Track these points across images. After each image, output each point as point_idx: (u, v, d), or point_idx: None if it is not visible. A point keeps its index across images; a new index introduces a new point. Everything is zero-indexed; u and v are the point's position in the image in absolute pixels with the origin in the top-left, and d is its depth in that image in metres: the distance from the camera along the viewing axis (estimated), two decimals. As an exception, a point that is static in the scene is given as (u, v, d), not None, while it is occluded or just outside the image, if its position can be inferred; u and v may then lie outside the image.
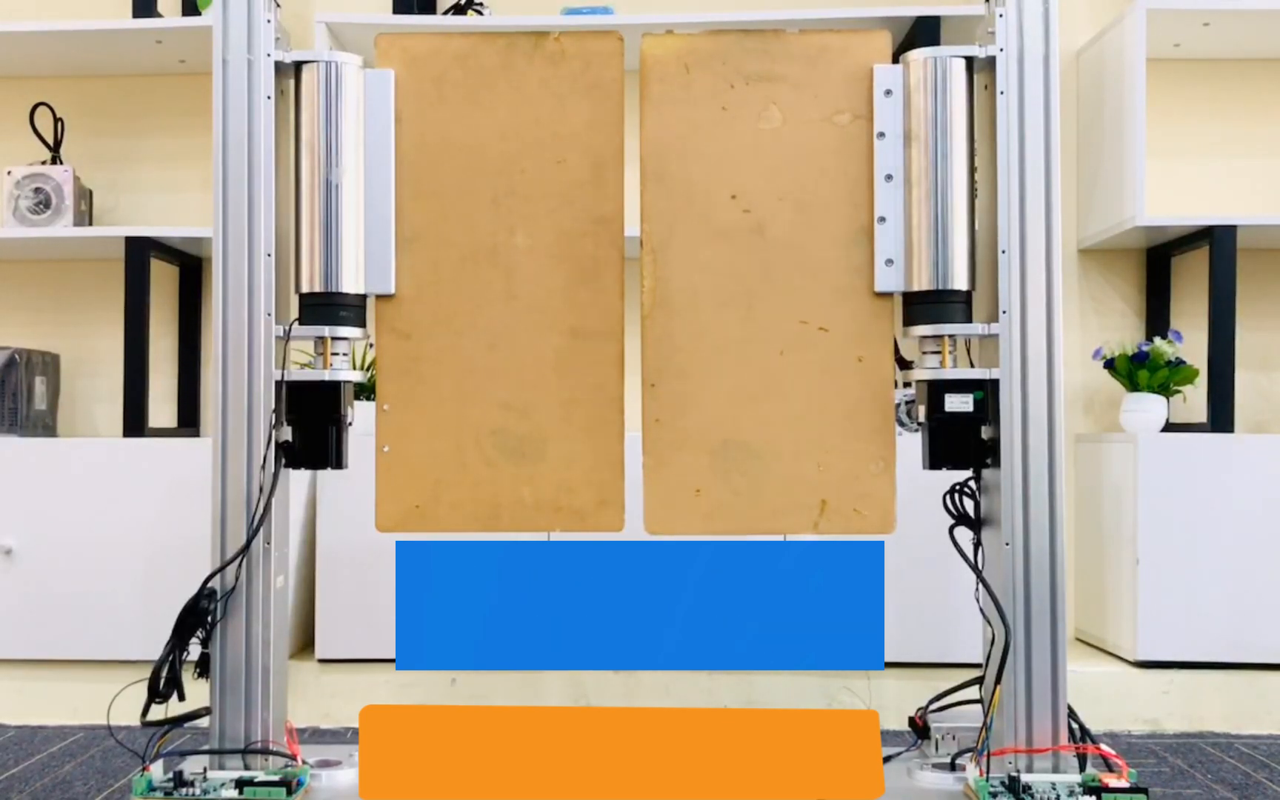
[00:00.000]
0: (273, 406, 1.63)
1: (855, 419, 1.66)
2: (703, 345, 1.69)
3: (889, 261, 1.65)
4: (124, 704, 1.87)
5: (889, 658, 2.32)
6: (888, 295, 1.66)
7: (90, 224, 2.69)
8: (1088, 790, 1.53)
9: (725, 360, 1.68)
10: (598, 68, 1.68)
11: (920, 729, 1.74)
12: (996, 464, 1.63)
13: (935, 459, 1.67)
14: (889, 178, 1.65)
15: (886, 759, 1.68)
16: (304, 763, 1.64)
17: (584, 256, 1.68)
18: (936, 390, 1.65)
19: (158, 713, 1.59)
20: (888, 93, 1.65)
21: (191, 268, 2.81)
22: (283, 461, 1.65)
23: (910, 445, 1.83)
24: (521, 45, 1.69)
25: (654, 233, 1.69)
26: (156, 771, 1.58)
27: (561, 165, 1.68)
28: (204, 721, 1.63)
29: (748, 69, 1.68)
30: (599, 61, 1.68)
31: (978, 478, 1.69)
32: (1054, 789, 1.54)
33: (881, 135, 1.65)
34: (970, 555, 1.69)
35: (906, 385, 1.74)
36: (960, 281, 1.63)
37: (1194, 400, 2.63)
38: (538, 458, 1.69)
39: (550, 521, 1.69)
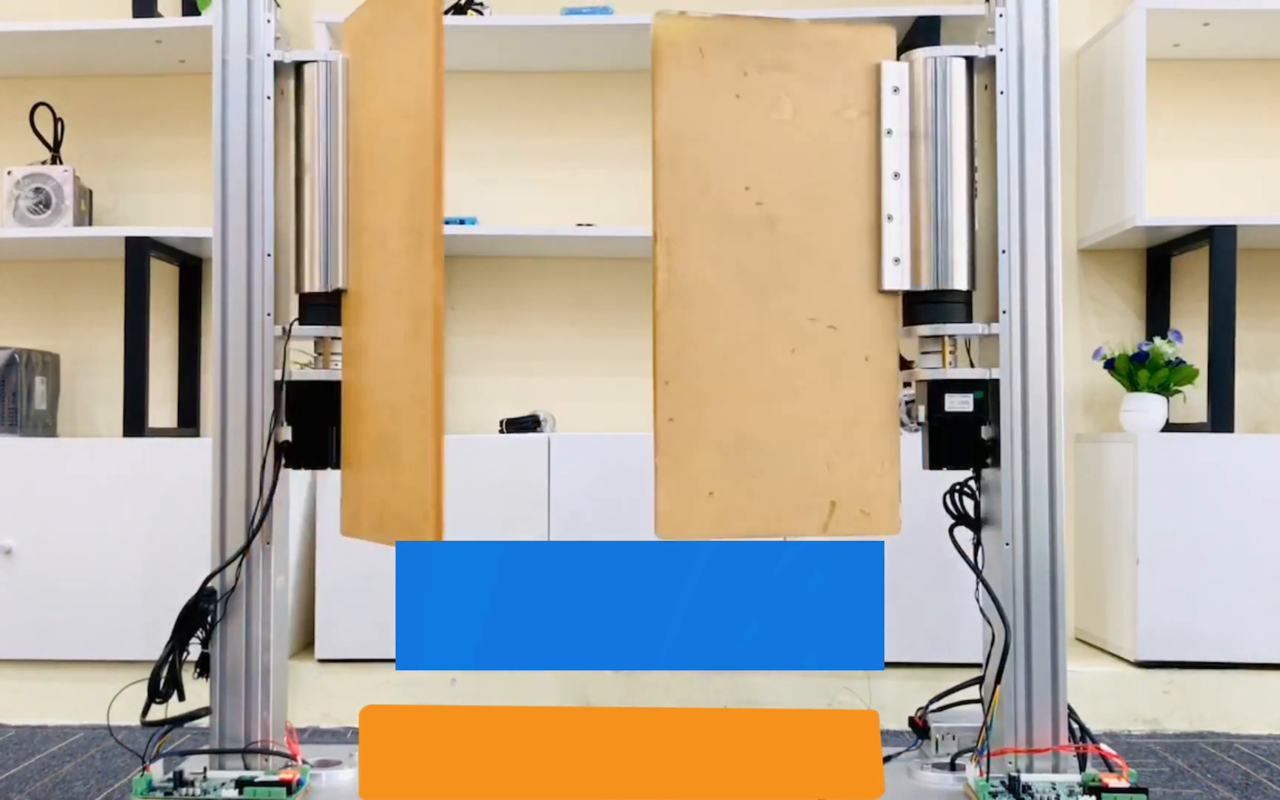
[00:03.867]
0: (272, 407, 1.63)
1: (862, 418, 1.64)
2: (716, 341, 1.60)
3: (896, 260, 1.64)
4: (124, 704, 1.87)
5: (889, 658, 2.32)
6: (893, 294, 1.65)
7: (90, 224, 2.69)
8: (1088, 790, 1.53)
9: (738, 356, 1.61)
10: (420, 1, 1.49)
11: (920, 729, 1.74)
12: (996, 464, 1.62)
13: (935, 459, 1.67)
14: (896, 175, 1.64)
15: (886, 759, 1.68)
16: (304, 763, 1.64)
17: (415, 221, 1.50)
18: (937, 390, 1.65)
19: (158, 713, 1.59)
20: (895, 89, 1.64)
21: (191, 268, 2.80)
22: (282, 462, 1.65)
23: (910, 445, 1.83)
24: None
25: (667, 223, 1.59)
26: (156, 771, 1.58)
27: (407, 119, 1.52)
28: (204, 721, 1.62)
29: (761, 57, 1.60)
30: None
31: (978, 478, 1.69)
32: (1054, 789, 1.54)
33: (889, 132, 1.64)
34: (970, 555, 1.69)
35: (907, 385, 1.74)
36: (960, 281, 1.63)
37: (1194, 400, 2.63)
38: (398, 461, 1.54)
39: (396, 532, 1.56)
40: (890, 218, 1.64)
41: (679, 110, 1.59)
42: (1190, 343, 2.63)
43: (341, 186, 1.65)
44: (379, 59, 1.59)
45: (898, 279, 1.64)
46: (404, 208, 1.52)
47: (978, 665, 1.71)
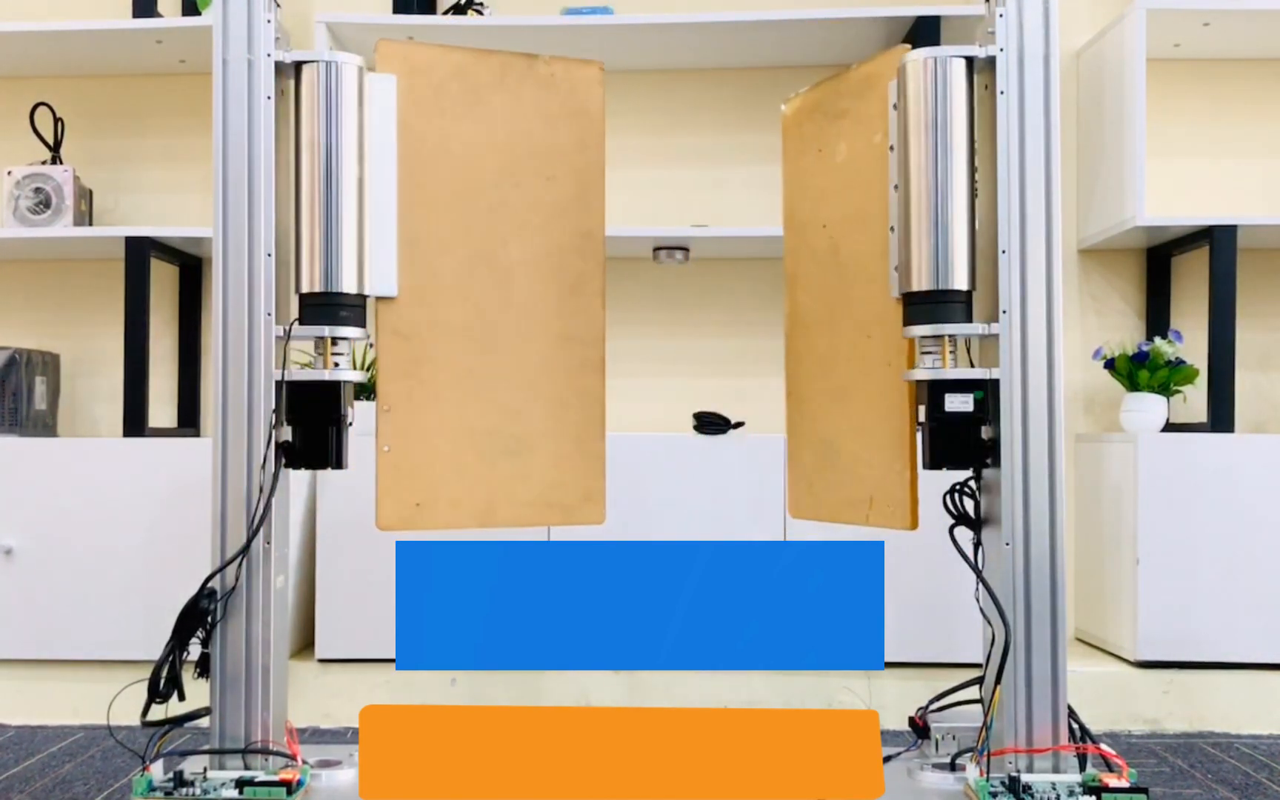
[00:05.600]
0: (273, 406, 1.63)
1: (884, 420, 1.72)
2: (812, 356, 1.89)
3: (896, 268, 1.67)
4: (124, 704, 1.87)
5: (889, 658, 2.33)
6: (901, 300, 1.67)
7: (90, 224, 2.69)
8: (1088, 790, 1.53)
9: (821, 369, 1.86)
10: (583, 95, 1.81)
11: (920, 729, 1.74)
12: (996, 464, 1.63)
13: (935, 459, 1.67)
14: (896, 187, 1.66)
15: (886, 759, 1.68)
16: (304, 763, 1.65)
17: (570, 268, 1.80)
18: (936, 390, 1.65)
19: (158, 713, 1.59)
20: (894, 106, 1.68)
21: (191, 268, 2.81)
22: (283, 461, 1.65)
23: (910, 445, 1.84)
24: (515, 67, 1.79)
25: (790, 267, 1.93)
26: (156, 771, 1.58)
27: (551, 182, 1.79)
28: (204, 721, 1.63)
29: (828, 110, 1.83)
30: (584, 89, 1.81)
31: (978, 478, 1.69)
32: (1054, 789, 1.54)
33: (891, 148, 1.68)
34: (970, 555, 1.69)
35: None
36: (960, 281, 1.63)
37: (1194, 400, 2.63)
38: (529, 456, 1.77)
39: (541, 516, 1.79)
40: (893, 229, 1.68)
41: (791, 177, 1.93)
42: (1190, 343, 2.63)
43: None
44: (486, 106, 1.77)
45: (900, 286, 1.67)
46: (543, 247, 1.79)
47: (978, 665, 1.71)
